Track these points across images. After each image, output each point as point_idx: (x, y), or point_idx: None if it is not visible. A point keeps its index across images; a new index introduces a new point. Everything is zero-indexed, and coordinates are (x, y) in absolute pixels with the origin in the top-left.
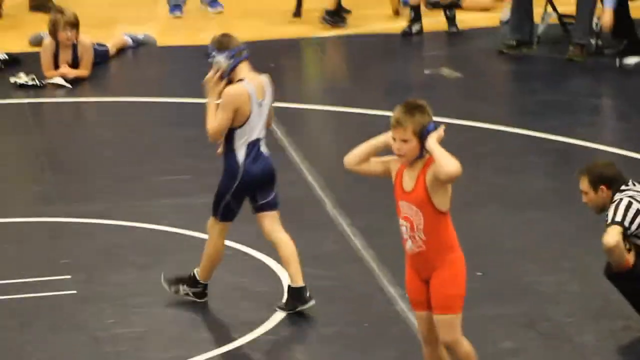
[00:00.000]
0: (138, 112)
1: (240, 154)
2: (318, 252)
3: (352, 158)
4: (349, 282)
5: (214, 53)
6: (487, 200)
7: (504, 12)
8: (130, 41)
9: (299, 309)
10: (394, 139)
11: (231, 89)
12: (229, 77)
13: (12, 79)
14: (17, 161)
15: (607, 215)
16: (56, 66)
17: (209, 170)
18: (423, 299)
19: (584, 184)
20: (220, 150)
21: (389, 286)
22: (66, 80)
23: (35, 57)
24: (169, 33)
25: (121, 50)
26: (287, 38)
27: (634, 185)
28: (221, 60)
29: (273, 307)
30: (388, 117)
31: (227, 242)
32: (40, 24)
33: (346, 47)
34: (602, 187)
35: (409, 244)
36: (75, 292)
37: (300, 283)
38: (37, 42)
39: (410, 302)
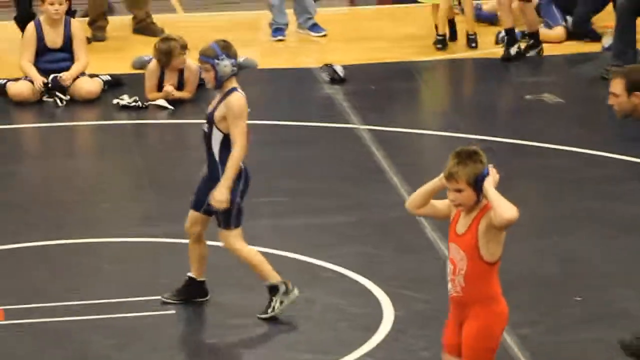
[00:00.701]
0: None
1: None
2: (416, 276)
3: (412, 202)
4: (447, 307)
5: (223, 56)
6: (585, 224)
7: (606, 39)
8: None
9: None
10: (449, 190)
11: (238, 99)
12: (223, 83)
13: (115, 101)
14: (119, 181)
15: None
16: (159, 89)
17: (307, 191)
18: (456, 342)
19: (618, 87)
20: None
21: None
22: (168, 102)
23: (138, 78)
24: (271, 56)
25: None
26: (389, 62)
27: None
28: (227, 65)
29: (369, 329)
30: (488, 141)
31: (326, 265)
32: (143, 46)
33: (447, 71)
34: (638, 93)
35: (449, 286)
36: (174, 312)
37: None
38: (140, 65)
39: (443, 343)
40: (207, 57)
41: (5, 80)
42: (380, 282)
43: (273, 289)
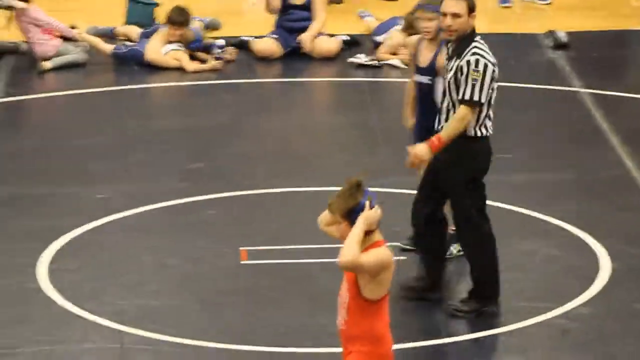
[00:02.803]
0: None
1: None
2: (633, 232)
3: (321, 218)
4: None
5: None
6: None
7: None
8: None
9: None
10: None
11: None
12: (439, 33)
13: (351, 60)
14: (354, 135)
15: (468, 81)
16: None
17: (529, 149)
18: None
19: (462, 7)
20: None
21: None
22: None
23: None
24: (498, 22)
25: None
26: (611, 30)
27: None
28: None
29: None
30: None
31: (547, 218)
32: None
33: None
34: (474, 14)
35: (338, 319)
36: (405, 258)
37: None
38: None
39: None
40: (435, 6)
41: (250, 38)
42: (598, 237)
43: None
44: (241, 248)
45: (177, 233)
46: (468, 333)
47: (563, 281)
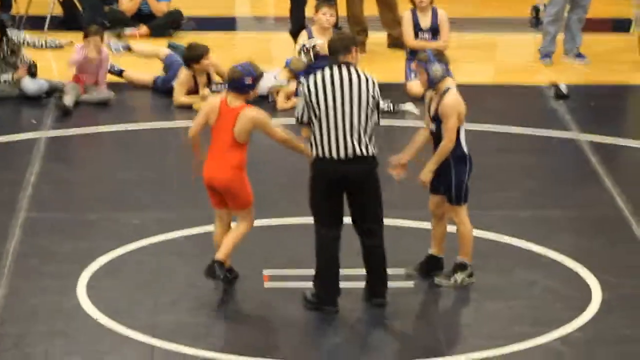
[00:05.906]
0: (476, 139)
1: (464, 145)
2: (624, 265)
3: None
4: None
5: (434, 61)
6: None
7: None
8: None
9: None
10: None
11: (449, 99)
12: (436, 84)
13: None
14: None
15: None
16: None
17: (533, 189)
18: None
19: None
20: None
21: None
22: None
23: (391, 87)
24: (508, 72)
25: None
26: (608, 84)
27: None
28: (439, 69)
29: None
30: None
31: (546, 252)
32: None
33: None
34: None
35: None
36: (412, 285)
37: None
38: None
39: None
40: (420, 61)
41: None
42: (592, 269)
43: (462, 267)
44: (264, 272)
45: (206, 257)
46: (471, 352)
47: (560, 309)
